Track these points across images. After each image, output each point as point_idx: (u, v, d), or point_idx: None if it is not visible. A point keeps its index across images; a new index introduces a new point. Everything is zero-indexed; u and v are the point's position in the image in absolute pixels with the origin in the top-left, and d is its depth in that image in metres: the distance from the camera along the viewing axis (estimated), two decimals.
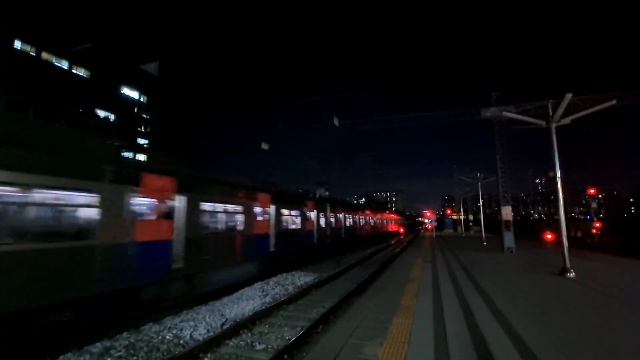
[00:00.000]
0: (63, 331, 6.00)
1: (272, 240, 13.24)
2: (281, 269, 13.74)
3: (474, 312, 6.05)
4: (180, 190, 8.59)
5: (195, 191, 9.16)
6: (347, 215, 24.55)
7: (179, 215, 8.52)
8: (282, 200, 14.64)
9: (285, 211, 14.63)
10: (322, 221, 19.39)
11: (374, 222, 35.69)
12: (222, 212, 10.59)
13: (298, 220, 16.13)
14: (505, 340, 4.63)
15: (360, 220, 28.88)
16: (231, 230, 10.88)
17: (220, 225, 10.54)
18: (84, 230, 6.38)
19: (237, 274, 10.95)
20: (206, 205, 9.63)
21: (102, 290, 6.47)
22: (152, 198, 7.83)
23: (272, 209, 13.48)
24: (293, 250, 15.26)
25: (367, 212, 33.55)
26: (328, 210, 20.36)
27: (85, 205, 6.46)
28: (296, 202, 16.43)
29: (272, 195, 13.63)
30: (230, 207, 10.95)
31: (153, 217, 7.88)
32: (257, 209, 12.39)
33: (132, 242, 7.17)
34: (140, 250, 7.34)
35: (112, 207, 6.83)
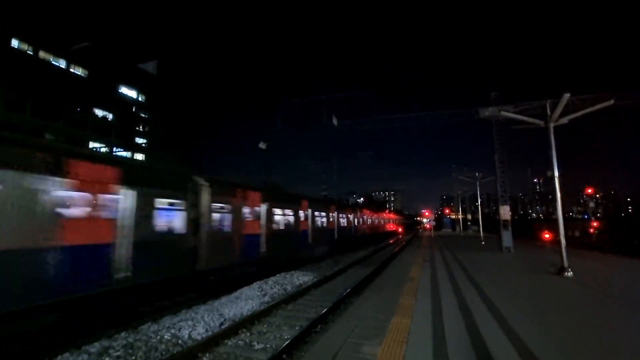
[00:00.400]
0: (61, 331, 5.99)
1: (336, 233, 21.22)
2: (339, 251, 21.16)
3: (472, 311, 6.05)
4: (309, 207, 16.66)
5: (312, 207, 17.41)
6: (367, 216, 32.23)
7: (309, 218, 16.66)
8: (341, 207, 23.55)
9: (341, 214, 22.44)
10: (356, 221, 27.14)
11: (383, 222, 43.89)
12: (318, 217, 18.37)
13: (345, 220, 24.01)
14: (504, 339, 4.63)
15: (375, 220, 37.25)
16: (321, 225, 18.81)
17: (317, 224, 18.27)
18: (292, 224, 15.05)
19: (321, 250, 18.48)
20: (316, 213, 17.87)
21: (291, 250, 14.86)
22: (304, 211, 16.25)
23: (335, 214, 21.34)
24: (344, 239, 22.68)
25: (377, 213, 41.88)
26: (358, 213, 28.34)
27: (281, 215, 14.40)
28: (345, 208, 24.82)
29: (335, 205, 22.09)
30: (323, 213, 19.14)
31: (303, 220, 16.04)
32: (330, 214, 20.48)
33: (298, 230, 15.12)
34: (302, 234, 15.44)
35: (297, 216, 15.14)
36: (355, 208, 28.63)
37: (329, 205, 21.34)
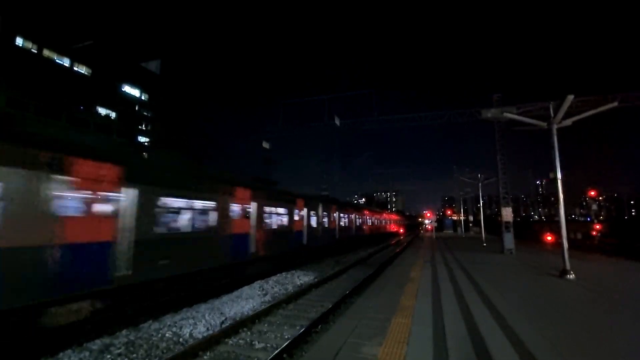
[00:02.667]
0: (63, 329, 6.01)
1: (338, 230, 23.52)
2: (349, 247, 23.56)
3: (473, 313, 6.05)
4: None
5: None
6: (380, 217, 38.15)
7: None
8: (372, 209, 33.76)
9: (356, 215, 27.80)
10: (376, 221, 34.93)
11: (389, 222, 49.06)
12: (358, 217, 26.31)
13: (371, 221, 32.39)
14: (504, 341, 4.63)
15: (385, 220, 42.64)
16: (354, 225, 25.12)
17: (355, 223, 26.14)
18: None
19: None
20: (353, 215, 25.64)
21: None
22: (379, 216, 35.65)
23: (345, 214, 24.29)
24: (352, 235, 26.27)
25: (385, 214, 47.93)
26: (377, 215, 36.46)
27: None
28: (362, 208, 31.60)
29: (336, 205, 23.50)
30: (369, 215, 29.86)
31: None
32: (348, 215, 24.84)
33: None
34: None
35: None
36: (331, 205, 22.07)
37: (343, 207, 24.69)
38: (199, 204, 9.29)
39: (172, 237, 8.32)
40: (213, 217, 9.94)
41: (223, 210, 10.41)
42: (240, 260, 11.26)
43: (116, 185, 6.89)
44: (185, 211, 8.89)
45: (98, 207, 6.54)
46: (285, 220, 14.29)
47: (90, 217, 6.36)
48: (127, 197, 7.11)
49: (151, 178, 7.83)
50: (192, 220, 9.09)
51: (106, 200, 6.71)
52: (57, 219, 5.79)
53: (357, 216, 27.09)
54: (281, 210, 14.09)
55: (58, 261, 5.73)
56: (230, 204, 10.89)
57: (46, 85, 39.82)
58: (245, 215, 11.42)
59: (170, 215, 8.41)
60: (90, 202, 6.40)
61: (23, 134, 5.59)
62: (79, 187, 6.22)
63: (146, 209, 7.50)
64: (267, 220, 12.73)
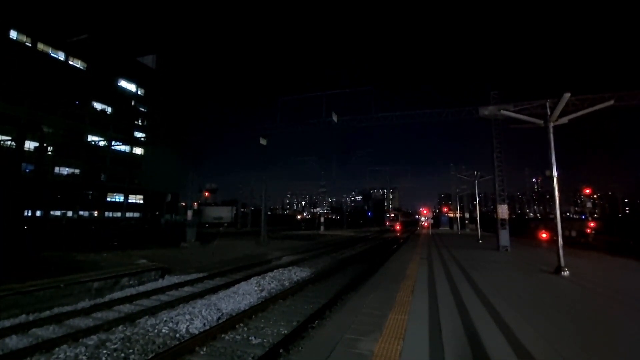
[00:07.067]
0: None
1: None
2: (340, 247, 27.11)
3: (468, 309, 6.09)
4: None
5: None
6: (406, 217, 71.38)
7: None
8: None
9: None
10: (407, 219, 67.99)
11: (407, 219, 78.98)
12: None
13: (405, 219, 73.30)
14: (499, 336, 4.67)
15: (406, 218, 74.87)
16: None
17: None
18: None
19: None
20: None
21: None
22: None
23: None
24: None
25: (409, 214, 78.22)
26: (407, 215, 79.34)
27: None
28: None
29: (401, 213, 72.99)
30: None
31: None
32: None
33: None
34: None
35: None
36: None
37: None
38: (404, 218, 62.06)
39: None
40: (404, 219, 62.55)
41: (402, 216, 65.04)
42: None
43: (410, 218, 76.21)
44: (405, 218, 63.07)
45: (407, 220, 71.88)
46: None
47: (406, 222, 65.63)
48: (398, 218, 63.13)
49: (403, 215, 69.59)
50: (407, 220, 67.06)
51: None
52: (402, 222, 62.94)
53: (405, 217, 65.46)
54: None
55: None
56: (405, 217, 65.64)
57: (41, 79, 39.28)
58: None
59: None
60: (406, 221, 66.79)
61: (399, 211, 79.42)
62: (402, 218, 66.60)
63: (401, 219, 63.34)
64: (406, 219, 68.04)
